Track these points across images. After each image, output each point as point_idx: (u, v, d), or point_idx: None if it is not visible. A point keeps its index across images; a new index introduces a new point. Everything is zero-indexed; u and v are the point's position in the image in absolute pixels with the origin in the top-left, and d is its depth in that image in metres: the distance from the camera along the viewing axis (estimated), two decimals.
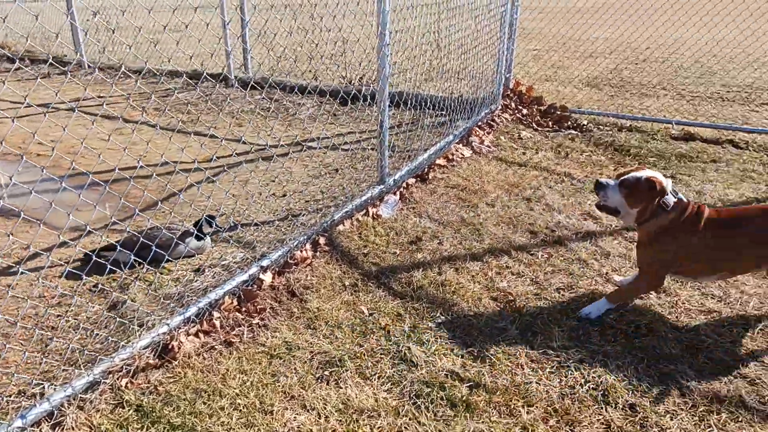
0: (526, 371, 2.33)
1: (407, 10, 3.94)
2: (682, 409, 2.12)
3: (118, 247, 2.64)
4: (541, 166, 4.53)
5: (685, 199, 2.59)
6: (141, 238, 2.76)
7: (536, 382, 2.26)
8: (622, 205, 2.65)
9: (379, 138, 3.70)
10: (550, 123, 5.64)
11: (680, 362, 2.35)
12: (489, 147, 4.90)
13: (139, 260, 2.74)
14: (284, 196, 3.99)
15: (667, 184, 2.58)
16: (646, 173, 2.60)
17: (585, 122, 5.68)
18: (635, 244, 2.75)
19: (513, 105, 5.97)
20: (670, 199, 2.55)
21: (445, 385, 2.24)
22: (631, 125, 5.60)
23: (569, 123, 5.63)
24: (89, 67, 8.54)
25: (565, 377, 2.29)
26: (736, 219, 2.53)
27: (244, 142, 5.12)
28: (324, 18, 8.47)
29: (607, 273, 3.01)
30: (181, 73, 7.91)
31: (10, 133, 5.25)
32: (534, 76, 8.02)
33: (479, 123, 5.40)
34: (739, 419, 2.07)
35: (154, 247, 2.77)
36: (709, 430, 2.03)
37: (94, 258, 2.59)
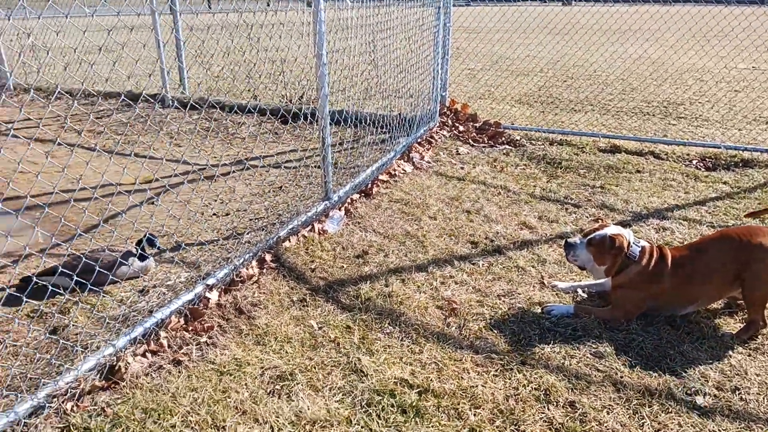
0: (471, 375, 2.42)
1: (343, 31, 4.05)
2: (617, 404, 2.26)
3: (59, 270, 2.57)
4: (478, 180, 4.71)
5: (647, 245, 2.79)
6: (82, 261, 2.70)
7: (482, 386, 2.35)
8: (590, 263, 2.85)
9: (322, 155, 3.76)
10: (486, 139, 5.86)
11: (614, 360, 2.51)
12: (429, 162, 5.05)
13: (82, 282, 2.67)
14: (227, 215, 3.97)
15: (630, 237, 2.79)
16: (610, 230, 2.80)
17: (518, 137, 5.94)
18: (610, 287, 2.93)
19: (450, 122, 6.18)
20: (635, 250, 2.75)
21: (395, 392, 2.30)
22: (561, 139, 5.89)
23: (503, 138, 5.87)
24: (14, 89, 8.20)
25: (509, 379, 2.39)
26: (695, 252, 2.75)
27: (185, 162, 5.07)
28: (261, 38, 8.50)
29: (543, 279, 3.17)
30: (116, 94, 7.73)
31: None
32: (469, 94, 8.31)
33: (419, 140, 5.56)
34: (669, 410, 2.23)
35: (97, 269, 2.71)
36: (642, 421, 2.18)
37: (33, 282, 2.51)
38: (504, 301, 2.96)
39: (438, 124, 6.11)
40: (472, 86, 8.95)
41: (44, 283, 2.72)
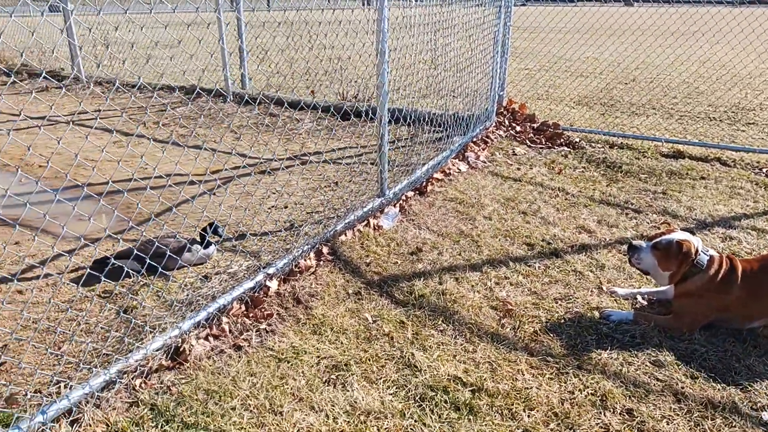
0: (526, 377, 2.41)
1: (401, 30, 4.07)
2: (677, 415, 2.20)
3: (134, 253, 2.70)
4: (535, 181, 4.65)
5: (716, 255, 2.68)
6: (154, 245, 2.83)
7: (536, 388, 2.34)
8: (654, 267, 2.77)
9: (380, 152, 3.80)
10: (543, 140, 5.77)
11: (675, 369, 2.44)
12: (484, 162, 5.02)
13: (153, 265, 2.78)
14: (286, 207, 4.07)
15: (699, 245, 2.69)
16: (678, 236, 2.71)
17: (577, 139, 5.83)
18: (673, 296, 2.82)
19: (506, 122, 6.11)
20: (704, 258, 2.65)
21: (449, 389, 2.31)
22: (622, 143, 5.75)
23: (562, 140, 5.77)
24: (86, 81, 8.60)
25: (565, 383, 2.37)
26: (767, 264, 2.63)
27: (245, 156, 5.21)
28: (319, 36, 8.63)
29: (602, 284, 3.11)
30: (177, 88, 8.01)
31: (9, 145, 5.30)
32: (526, 94, 8.20)
33: (474, 139, 5.53)
34: (733, 425, 2.15)
35: (168, 253, 2.84)
36: None
37: (109, 263, 2.65)
38: (560, 305, 2.92)
39: (494, 124, 6.06)
40: (529, 86, 8.83)
41: (120, 264, 2.86)
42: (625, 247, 3.43)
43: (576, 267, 3.28)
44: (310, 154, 5.31)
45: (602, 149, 5.57)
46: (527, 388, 2.33)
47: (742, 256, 3.28)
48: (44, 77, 8.95)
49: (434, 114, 5.19)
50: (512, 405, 2.23)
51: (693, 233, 2.87)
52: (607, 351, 2.55)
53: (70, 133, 5.90)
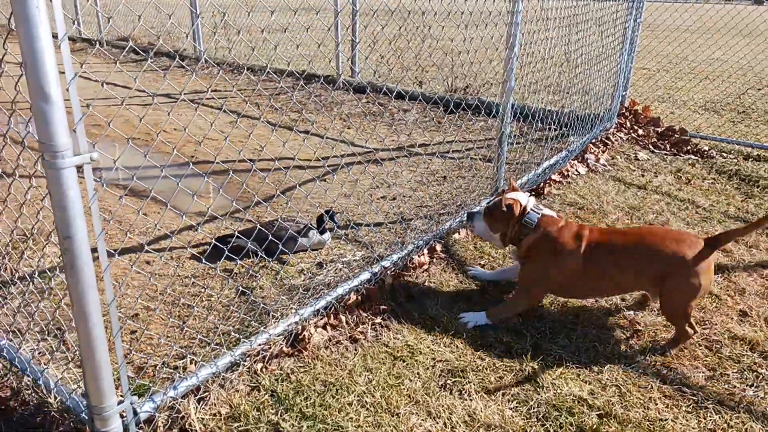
0: (659, 406, 2.21)
1: (538, 23, 3.87)
2: None
3: (259, 227, 2.73)
4: (662, 191, 4.32)
5: (553, 215, 2.59)
6: (275, 227, 2.87)
7: (672, 420, 2.14)
8: (486, 232, 2.73)
9: (499, 148, 3.65)
10: (668, 146, 5.37)
11: None
12: (604, 165, 4.73)
13: (272, 247, 2.80)
14: (394, 199, 4.02)
15: (530, 203, 2.62)
16: (506, 196, 2.65)
17: (706, 148, 5.37)
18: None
19: (628, 124, 5.74)
20: (533, 217, 2.57)
21: (573, 410, 2.16)
22: (758, 154, 5.24)
23: (688, 147, 5.34)
24: (206, 62, 9.00)
25: (704, 419, 2.15)
26: (616, 241, 2.51)
27: (354, 144, 5.23)
28: (432, 27, 8.51)
29: (742, 311, 2.81)
30: (292, 73, 8.20)
31: (134, 120, 5.61)
32: (645, 95, 7.68)
33: (594, 140, 5.23)
34: None
35: (290, 233, 2.88)
36: None
37: (231, 241, 2.71)
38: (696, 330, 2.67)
39: (615, 126, 5.71)
40: (647, 87, 8.26)
41: (243, 242, 2.93)
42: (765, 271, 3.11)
43: (712, 289, 2.99)
44: (417, 146, 5.23)
45: (735, 160, 5.10)
46: (662, 419, 2.14)
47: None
48: (171, 56, 9.48)
49: (553, 111, 4.94)
50: None
51: (535, 194, 2.93)
52: (753, 388, 2.30)
53: (188, 110, 6.18)
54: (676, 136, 5.50)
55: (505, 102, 3.54)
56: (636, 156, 5.10)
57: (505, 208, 2.59)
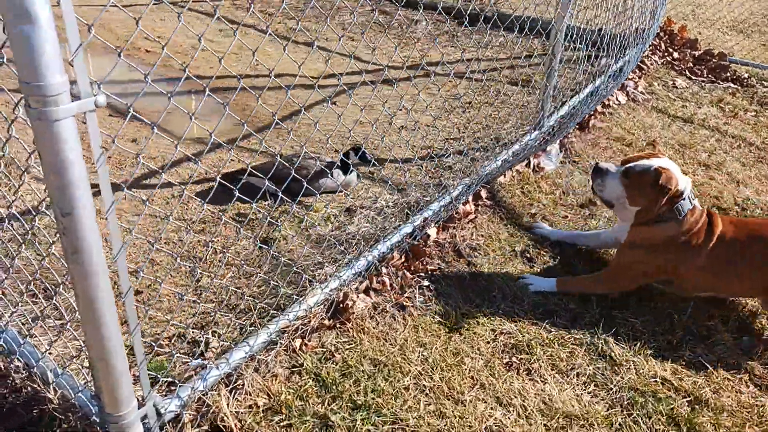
0: (751, 389, 1.95)
1: None
2: None
3: (275, 164, 2.27)
4: (709, 125, 3.93)
5: (699, 207, 2.13)
6: (295, 165, 2.42)
7: None
8: (621, 199, 2.19)
9: (546, 75, 3.18)
10: (705, 72, 4.92)
11: None
12: (643, 94, 4.30)
13: (299, 186, 2.35)
14: (418, 128, 3.57)
15: (687, 186, 2.10)
16: (659, 162, 2.11)
17: (745, 75, 4.94)
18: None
19: (663, 46, 5.24)
20: (686, 205, 2.08)
21: (659, 395, 1.89)
22: None
23: (728, 74, 4.90)
24: None
25: None
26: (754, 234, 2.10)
27: (359, 59, 4.66)
28: None
29: None
30: None
31: (114, 24, 4.93)
32: (668, 13, 7.08)
33: None
34: None
35: (311, 173, 2.44)
36: None
37: (242, 178, 2.27)
38: None
39: (649, 47, 5.20)
40: (670, 5, 7.64)
41: (257, 181, 2.46)
42: None
43: None
44: (433, 65, 4.69)
45: None
46: (759, 405, 1.88)
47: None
48: None
49: (589, 30, 4.40)
50: (743, 428, 1.80)
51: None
52: None
53: (171, 15, 5.46)
54: (715, 60, 5.04)
55: (560, 16, 3.03)
56: (674, 83, 4.65)
57: (663, 182, 2.05)
